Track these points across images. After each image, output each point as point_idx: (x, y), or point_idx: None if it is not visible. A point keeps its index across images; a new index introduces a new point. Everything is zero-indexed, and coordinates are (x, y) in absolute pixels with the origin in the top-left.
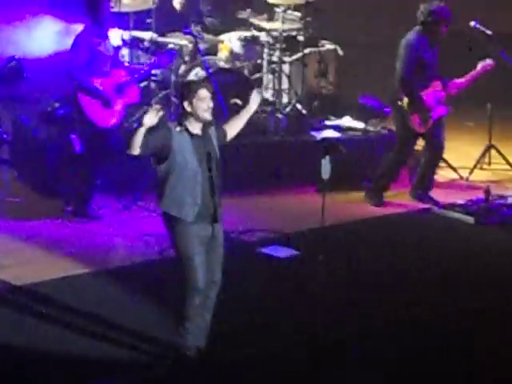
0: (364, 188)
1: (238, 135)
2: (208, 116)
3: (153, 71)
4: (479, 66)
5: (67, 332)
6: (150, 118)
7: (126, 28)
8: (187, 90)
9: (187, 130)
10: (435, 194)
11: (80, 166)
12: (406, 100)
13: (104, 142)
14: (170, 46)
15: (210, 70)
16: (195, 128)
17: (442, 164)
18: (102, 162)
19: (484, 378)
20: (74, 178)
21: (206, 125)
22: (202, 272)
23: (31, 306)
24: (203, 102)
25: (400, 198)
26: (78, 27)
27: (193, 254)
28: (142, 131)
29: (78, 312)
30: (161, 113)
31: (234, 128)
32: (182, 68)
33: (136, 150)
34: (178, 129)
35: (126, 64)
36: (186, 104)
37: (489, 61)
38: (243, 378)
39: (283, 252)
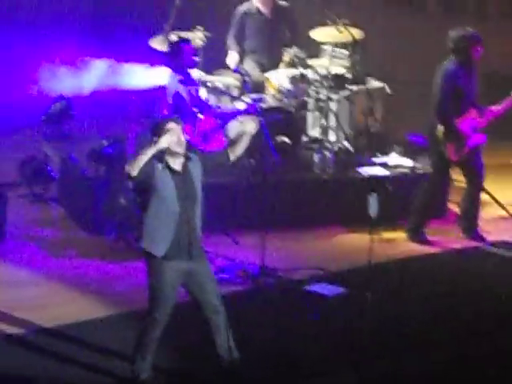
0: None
1: (286, 172)
2: (181, 149)
3: None
4: None
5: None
6: (167, 140)
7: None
8: (158, 127)
9: (168, 166)
10: (483, 231)
11: None
12: (441, 128)
13: None
14: (217, 84)
15: (257, 108)
16: (176, 164)
17: (490, 201)
18: None
19: None
20: None
21: (186, 160)
22: (164, 305)
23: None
24: (173, 135)
25: (447, 235)
26: (131, 68)
27: (159, 286)
28: (152, 152)
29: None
30: (174, 137)
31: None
32: None
33: (135, 171)
34: (159, 166)
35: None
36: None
37: None
38: None
39: (330, 290)
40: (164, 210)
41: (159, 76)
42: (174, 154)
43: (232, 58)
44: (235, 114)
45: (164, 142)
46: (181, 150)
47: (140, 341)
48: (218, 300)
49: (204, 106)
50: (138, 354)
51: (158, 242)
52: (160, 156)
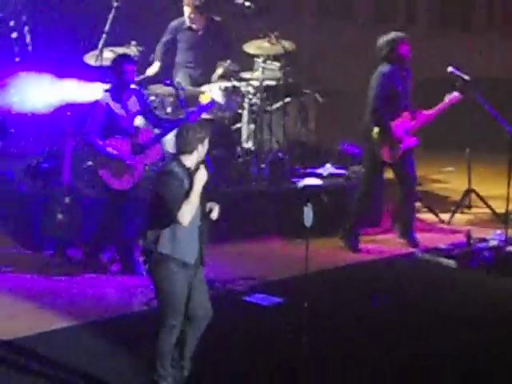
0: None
1: (221, 184)
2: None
3: None
4: (446, 98)
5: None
6: (201, 177)
7: (107, 82)
8: (200, 132)
9: (187, 169)
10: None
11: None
12: (376, 130)
13: (120, 201)
14: (152, 97)
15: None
16: (192, 166)
17: (423, 208)
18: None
19: None
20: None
21: (199, 162)
22: (180, 311)
23: (19, 359)
24: (205, 148)
25: (381, 243)
26: (65, 83)
27: (174, 293)
28: (197, 197)
29: (66, 365)
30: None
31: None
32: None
33: (188, 220)
34: (180, 172)
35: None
36: (199, 146)
37: (455, 93)
38: None
39: (267, 300)
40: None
41: (93, 92)
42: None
43: (152, 68)
44: (175, 123)
45: (202, 178)
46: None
47: (160, 350)
48: (209, 304)
49: (151, 117)
50: (158, 362)
51: (189, 250)
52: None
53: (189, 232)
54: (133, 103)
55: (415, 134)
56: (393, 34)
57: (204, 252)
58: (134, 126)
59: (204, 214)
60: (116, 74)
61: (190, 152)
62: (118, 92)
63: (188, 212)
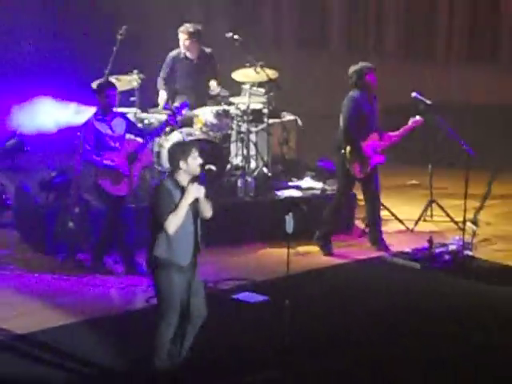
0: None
1: (212, 196)
2: (199, 170)
3: None
4: (410, 121)
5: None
6: (198, 191)
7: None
8: (181, 151)
9: (178, 184)
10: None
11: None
12: (348, 149)
13: (120, 207)
14: (152, 120)
15: (187, 139)
16: (185, 181)
17: (390, 217)
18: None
19: None
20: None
21: (192, 179)
22: (176, 310)
23: (33, 352)
24: (196, 159)
25: (353, 247)
26: (71, 106)
27: (171, 294)
28: (185, 208)
29: (73, 358)
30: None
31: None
32: (162, 138)
33: (173, 229)
34: (170, 186)
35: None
36: (181, 163)
37: (418, 117)
38: None
39: (254, 298)
40: (183, 228)
41: (88, 114)
42: (192, 174)
43: (162, 97)
44: (159, 130)
45: (191, 194)
46: (199, 170)
47: (158, 342)
48: (204, 305)
49: (137, 132)
50: (156, 353)
51: (182, 254)
52: (172, 176)
53: (183, 238)
54: (118, 123)
55: (383, 153)
56: (361, 65)
57: (198, 256)
58: (121, 140)
59: (196, 221)
60: (100, 98)
61: (177, 167)
62: (103, 113)
63: (173, 222)
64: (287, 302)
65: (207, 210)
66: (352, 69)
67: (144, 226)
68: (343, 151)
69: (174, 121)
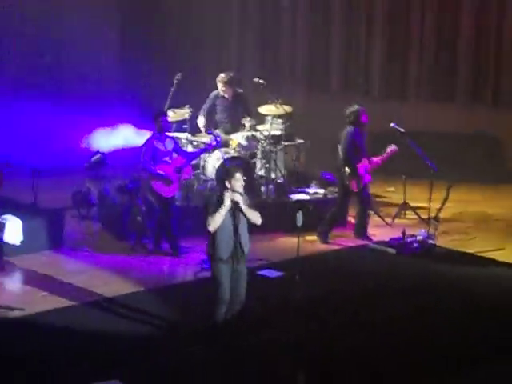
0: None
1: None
2: (241, 189)
3: None
4: (388, 149)
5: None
6: (232, 195)
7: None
8: (227, 174)
9: (223, 198)
10: (370, 234)
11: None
12: (347, 170)
13: (168, 205)
14: (199, 142)
15: (225, 157)
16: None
17: (374, 215)
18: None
19: None
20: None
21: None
22: (225, 291)
23: (118, 310)
24: (238, 181)
25: (345, 237)
26: (144, 132)
27: (221, 279)
28: (225, 211)
29: (147, 315)
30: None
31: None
32: (207, 154)
33: (214, 228)
34: (216, 198)
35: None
36: (226, 182)
37: (393, 146)
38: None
39: (273, 273)
40: (224, 229)
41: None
42: (235, 191)
43: (200, 121)
44: (199, 152)
45: (227, 198)
46: (241, 189)
47: (214, 314)
48: (244, 294)
49: (180, 151)
50: (213, 319)
51: (223, 249)
52: (222, 196)
53: (225, 235)
54: (169, 142)
55: (369, 173)
56: (356, 106)
57: (242, 251)
58: (170, 155)
59: (245, 223)
60: (156, 123)
61: (223, 186)
62: (158, 135)
63: (213, 220)
64: (297, 277)
65: (255, 218)
66: (349, 110)
67: (186, 219)
68: (343, 171)
69: (217, 142)
